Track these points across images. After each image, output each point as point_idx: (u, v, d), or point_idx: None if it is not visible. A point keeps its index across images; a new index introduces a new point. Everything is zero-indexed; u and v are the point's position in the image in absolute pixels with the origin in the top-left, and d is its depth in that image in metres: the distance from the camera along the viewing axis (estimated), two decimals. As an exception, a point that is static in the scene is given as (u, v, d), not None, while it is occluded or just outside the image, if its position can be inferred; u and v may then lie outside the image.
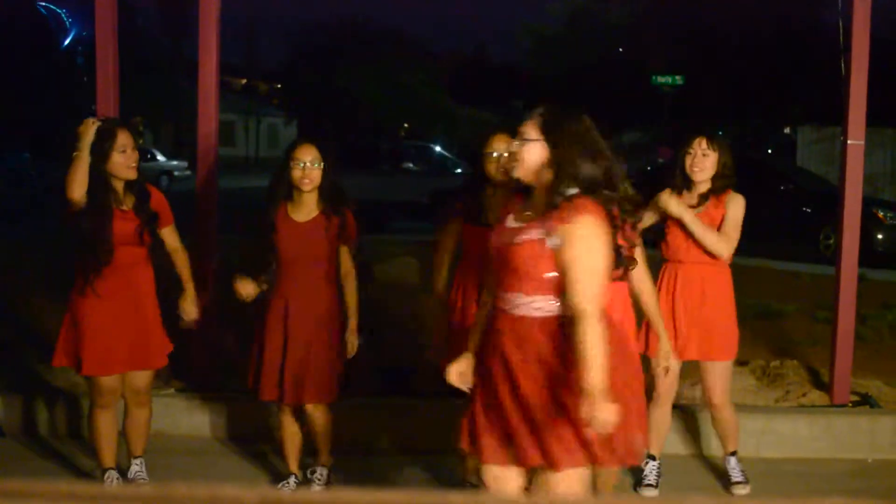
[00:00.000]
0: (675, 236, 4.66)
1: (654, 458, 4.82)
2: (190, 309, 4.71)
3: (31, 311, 6.88)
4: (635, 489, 4.79)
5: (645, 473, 4.81)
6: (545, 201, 3.11)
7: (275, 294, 4.52)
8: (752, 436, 5.34)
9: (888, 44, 24.01)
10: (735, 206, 4.65)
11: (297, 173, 4.44)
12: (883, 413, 5.56)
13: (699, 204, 4.65)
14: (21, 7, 28.93)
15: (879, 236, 12.88)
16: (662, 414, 4.78)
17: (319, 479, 4.77)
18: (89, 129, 4.29)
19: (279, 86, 52.22)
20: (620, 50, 37.80)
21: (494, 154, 4.29)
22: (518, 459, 3.11)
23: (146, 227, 4.44)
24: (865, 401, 5.67)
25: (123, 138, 4.35)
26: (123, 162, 4.34)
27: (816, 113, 25.02)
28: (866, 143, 5.73)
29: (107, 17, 5.60)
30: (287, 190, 4.51)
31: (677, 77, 33.31)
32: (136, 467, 4.73)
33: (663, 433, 4.85)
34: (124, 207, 4.40)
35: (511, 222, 3.21)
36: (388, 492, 0.56)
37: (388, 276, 7.77)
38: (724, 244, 4.59)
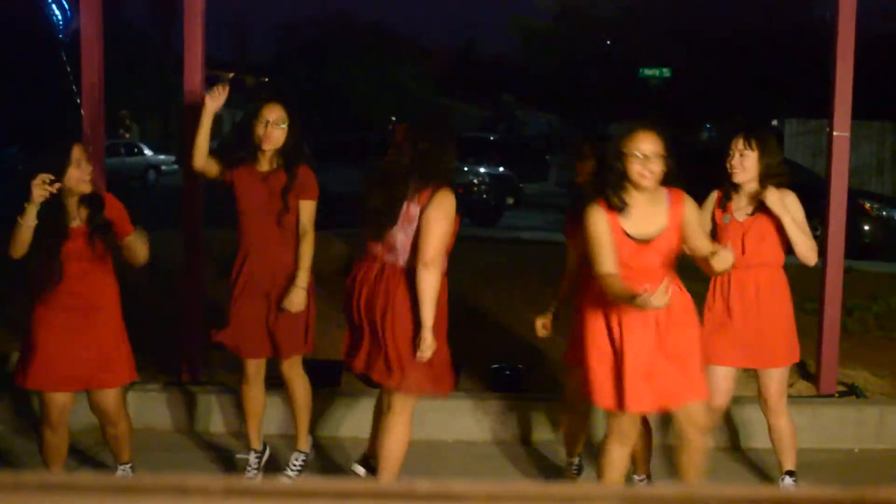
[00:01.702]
0: (727, 241, 4.38)
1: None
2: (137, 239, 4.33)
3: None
4: None
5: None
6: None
7: (237, 248, 4.63)
8: (739, 426, 5.38)
9: (875, 37, 24.11)
10: (795, 207, 4.44)
11: (259, 130, 4.50)
12: (869, 403, 5.59)
13: (753, 209, 4.44)
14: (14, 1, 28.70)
15: (866, 228, 12.95)
16: (716, 421, 4.72)
17: (294, 467, 4.77)
18: (41, 192, 4.06)
19: (266, 80, 52.13)
20: (608, 43, 37.84)
21: (640, 155, 3.82)
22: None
23: (99, 237, 4.24)
24: (852, 391, 5.69)
25: (77, 152, 4.22)
26: (79, 176, 4.20)
27: (803, 105, 25.09)
28: (853, 136, 5.76)
29: (92, 10, 5.57)
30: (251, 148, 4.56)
31: (664, 69, 33.40)
32: (121, 471, 4.58)
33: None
34: (76, 223, 4.24)
35: None
36: (354, 481, 0.55)
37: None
38: (812, 249, 4.39)
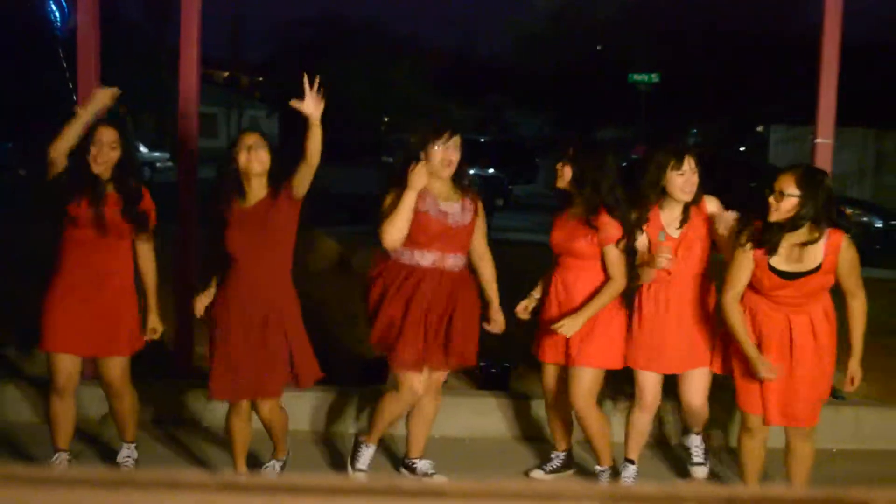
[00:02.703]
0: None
1: (633, 463, 4.79)
2: (155, 325, 4.65)
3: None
4: None
5: (624, 477, 4.77)
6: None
7: (224, 287, 4.38)
8: (720, 426, 5.40)
9: (858, 46, 24.18)
10: (717, 206, 4.57)
11: (242, 157, 4.26)
12: (846, 405, 5.61)
13: (683, 218, 4.53)
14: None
15: (847, 233, 13.00)
16: (647, 422, 4.77)
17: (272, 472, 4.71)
18: (102, 96, 4.31)
19: (261, 79, 52.00)
20: (599, 48, 37.85)
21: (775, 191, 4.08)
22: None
23: (130, 218, 4.43)
24: (831, 393, 5.70)
25: (102, 133, 4.37)
26: (94, 153, 4.35)
27: (788, 112, 25.18)
28: (836, 143, 5.79)
29: (89, 6, 5.56)
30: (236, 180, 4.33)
31: (653, 75, 33.48)
32: (126, 451, 4.72)
33: (644, 439, 4.85)
34: (108, 191, 4.42)
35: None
36: (343, 478, 0.56)
37: (366, 266, 7.76)
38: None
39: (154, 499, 0.56)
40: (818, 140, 5.65)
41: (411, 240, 4.40)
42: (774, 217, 3.99)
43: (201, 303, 4.48)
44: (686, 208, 4.53)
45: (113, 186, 4.44)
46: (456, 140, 4.45)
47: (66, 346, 4.40)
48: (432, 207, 4.42)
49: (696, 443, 4.94)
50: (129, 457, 4.70)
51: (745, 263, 4.11)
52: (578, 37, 37.00)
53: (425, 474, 4.80)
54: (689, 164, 4.48)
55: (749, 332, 4.16)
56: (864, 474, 4.28)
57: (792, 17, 31.74)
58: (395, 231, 4.34)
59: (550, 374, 4.77)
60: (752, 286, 4.14)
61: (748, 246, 4.09)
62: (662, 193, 4.52)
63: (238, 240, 4.30)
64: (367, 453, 4.71)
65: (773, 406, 4.15)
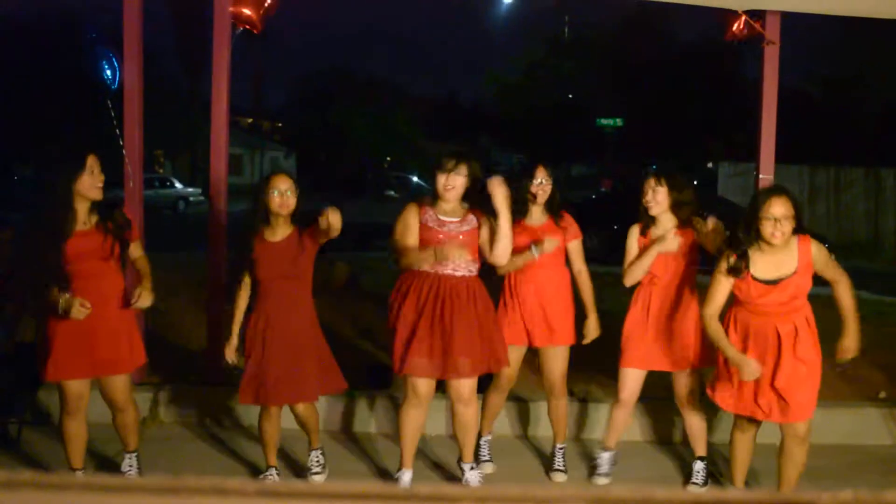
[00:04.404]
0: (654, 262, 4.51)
1: (608, 451, 4.71)
2: (145, 297, 4.10)
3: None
4: (590, 477, 4.72)
5: (600, 463, 4.71)
6: None
7: (254, 310, 4.33)
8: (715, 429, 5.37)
9: (795, 92, 24.36)
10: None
11: (276, 199, 4.21)
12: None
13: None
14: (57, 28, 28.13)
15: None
16: (624, 415, 4.69)
17: (317, 461, 4.65)
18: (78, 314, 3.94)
19: (280, 124, 52.14)
20: (570, 96, 38.06)
21: (772, 218, 3.87)
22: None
23: (114, 240, 4.09)
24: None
25: (91, 161, 4.01)
26: (90, 182, 4.00)
27: (734, 151, 25.32)
28: (775, 178, 5.81)
29: (134, 66, 5.57)
30: (264, 215, 4.27)
31: (617, 119, 33.71)
32: (128, 460, 4.44)
33: (622, 431, 4.75)
34: (85, 227, 4.04)
35: None
36: (372, 483, 0.55)
37: (371, 286, 7.76)
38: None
39: (201, 504, 0.55)
40: (761, 176, 5.68)
41: (420, 249, 4.28)
42: (780, 240, 3.87)
43: (230, 350, 4.40)
44: (674, 227, 4.49)
45: (98, 212, 4.10)
46: (461, 169, 4.27)
47: (72, 374, 4.08)
48: (431, 219, 4.29)
49: (698, 467, 4.69)
50: (131, 466, 4.44)
51: (723, 286, 4.01)
52: (550, 87, 37.23)
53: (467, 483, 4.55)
54: (649, 184, 4.52)
55: (736, 341, 4.05)
56: (810, 468, 4.24)
57: (736, 70, 32.00)
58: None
59: (516, 357, 4.67)
60: (743, 302, 4.02)
61: (727, 274, 3.99)
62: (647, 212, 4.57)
63: (267, 270, 4.25)
64: (403, 478, 4.49)
65: (764, 404, 4.04)
